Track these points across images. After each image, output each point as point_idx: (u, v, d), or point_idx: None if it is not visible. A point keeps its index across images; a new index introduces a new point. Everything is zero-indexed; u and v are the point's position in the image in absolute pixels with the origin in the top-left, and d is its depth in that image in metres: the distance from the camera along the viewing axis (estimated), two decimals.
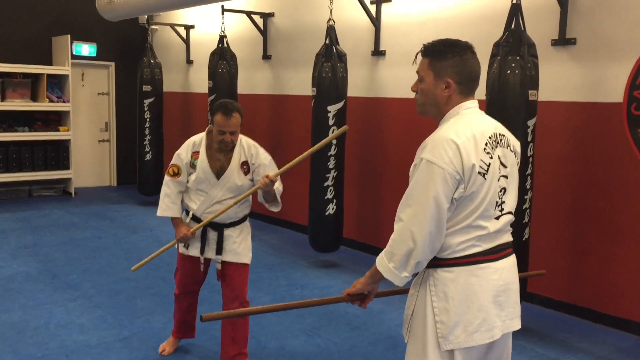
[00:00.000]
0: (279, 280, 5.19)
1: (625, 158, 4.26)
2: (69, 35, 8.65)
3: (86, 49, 9.20)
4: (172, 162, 3.43)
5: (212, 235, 3.40)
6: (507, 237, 2.10)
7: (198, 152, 3.35)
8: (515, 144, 2.14)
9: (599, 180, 4.43)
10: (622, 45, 4.25)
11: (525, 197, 4.16)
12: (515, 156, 2.11)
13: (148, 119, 8.34)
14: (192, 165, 3.36)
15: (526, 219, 4.20)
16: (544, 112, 4.54)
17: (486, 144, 1.98)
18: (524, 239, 4.21)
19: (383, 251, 2.03)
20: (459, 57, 2.03)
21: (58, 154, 8.79)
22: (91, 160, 9.71)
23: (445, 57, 2.03)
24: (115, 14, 8.19)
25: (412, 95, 6.11)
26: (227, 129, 3.24)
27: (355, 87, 6.05)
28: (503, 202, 2.03)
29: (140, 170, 8.48)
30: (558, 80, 4.62)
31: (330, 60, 5.50)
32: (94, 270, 5.41)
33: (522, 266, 4.25)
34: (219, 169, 3.33)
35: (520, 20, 4.13)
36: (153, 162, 8.38)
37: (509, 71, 4.05)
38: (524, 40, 4.09)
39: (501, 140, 2.05)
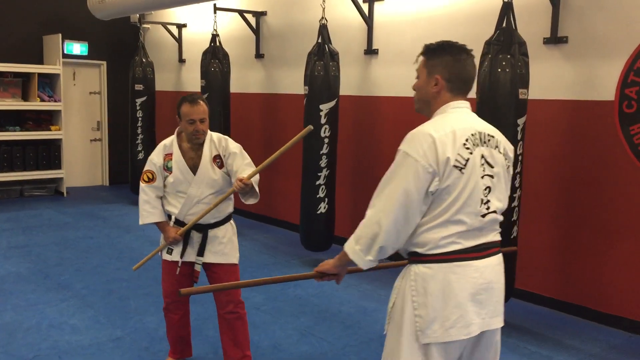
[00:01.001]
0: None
1: (617, 156, 4.28)
2: (60, 34, 8.60)
3: (78, 47, 9.16)
4: (145, 168, 3.37)
5: (197, 237, 3.31)
6: (493, 237, 2.11)
7: (170, 153, 3.30)
8: (508, 147, 2.16)
9: (590, 178, 4.45)
10: (613, 43, 4.27)
11: (514, 195, 4.17)
12: (506, 159, 2.13)
13: (140, 118, 8.32)
14: (167, 168, 3.29)
15: (514, 217, 4.22)
16: (536, 111, 4.56)
17: (467, 140, 2.01)
18: (512, 237, 4.23)
19: (352, 234, 2.08)
20: (450, 57, 2.10)
21: (50, 154, 8.75)
22: (83, 160, 9.68)
23: (438, 55, 2.11)
24: (106, 13, 8.16)
25: (404, 93, 6.16)
26: (195, 117, 3.20)
27: (348, 85, 6.05)
28: (489, 201, 2.05)
29: (132, 169, 8.46)
30: (550, 79, 4.63)
31: (322, 59, 5.50)
32: (86, 270, 5.38)
33: (510, 264, 4.26)
34: (192, 166, 3.27)
35: (512, 18, 4.15)
36: (145, 161, 8.33)
37: (499, 69, 4.06)
38: (515, 39, 4.10)
39: (489, 140, 2.08)
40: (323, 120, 5.50)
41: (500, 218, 2.12)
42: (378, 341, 4.05)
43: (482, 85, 4.14)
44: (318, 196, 5.57)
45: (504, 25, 4.14)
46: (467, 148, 2.00)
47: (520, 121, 4.14)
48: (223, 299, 3.37)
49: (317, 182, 5.56)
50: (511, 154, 2.18)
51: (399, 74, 5.70)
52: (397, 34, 5.73)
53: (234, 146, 3.32)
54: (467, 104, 2.14)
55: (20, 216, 7.49)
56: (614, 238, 4.34)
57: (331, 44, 5.60)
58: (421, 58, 2.16)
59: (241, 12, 7.26)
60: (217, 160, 3.29)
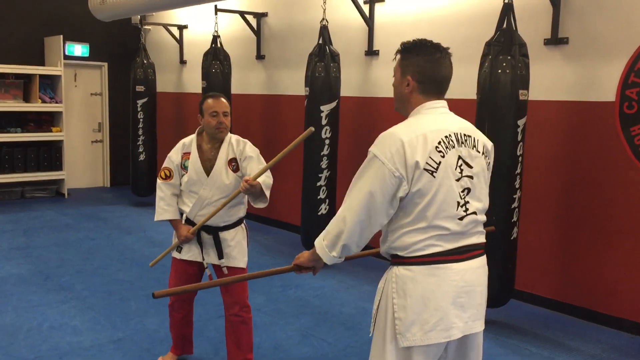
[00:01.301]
0: (274, 281, 5.18)
1: (618, 157, 4.28)
2: (61, 36, 8.61)
3: (79, 49, 9.17)
4: (163, 165, 3.40)
5: (207, 238, 3.33)
6: (476, 239, 2.08)
7: (189, 152, 3.32)
8: (487, 144, 2.14)
9: (591, 179, 4.45)
10: (614, 44, 4.27)
11: (514, 196, 4.17)
12: (486, 157, 2.11)
13: (141, 120, 8.32)
14: (184, 167, 3.32)
15: (515, 218, 4.22)
16: (537, 112, 4.55)
17: (439, 143, 1.98)
18: (512, 238, 4.23)
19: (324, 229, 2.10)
20: (422, 57, 2.06)
21: (51, 155, 8.75)
22: (84, 161, 9.68)
23: (410, 55, 2.09)
24: (108, 14, 8.16)
25: None
26: (219, 109, 3.25)
27: (349, 86, 6.06)
28: (467, 202, 2.03)
29: (133, 170, 8.46)
30: (551, 80, 4.63)
31: (323, 60, 5.50)
32: (87, 271, 5.39)
33: (510, 265, 4.28)
34: (206, 168, 3.29)
35: (512, 19, 4.15)
36: (147, 162, 8.36)
37: (499, 70, 4.06)
38: (515, 40, 4.10)
39: (465, 140, 2.05)
40: (324, 122, 5.50)
41: (482, 219, 2.09)
42: None
43: (483, 86, 4.14)
44: (319, 197, 5.57)
45: (505, 26, 4.14)
46: (440, 151, 1.97)
47: (521, 122, 4.14)
48: (229, 300, 3.37)
49: (318, 184, 5.56)
50: (491, 151, 2.16)
51: (387, 72, 5.69)
52: (398, 35, 5.72)
53: (251, 150, 3.33)
54: (443, 103, 2.10)
55: (21, 218, 7.49)
56: (614, 239, 4.34)
57: (332, 45, 5.60)
58: (398, 56, 2.14)
59: (242, 14, 7.27)
60: (233, 164, 3.29)
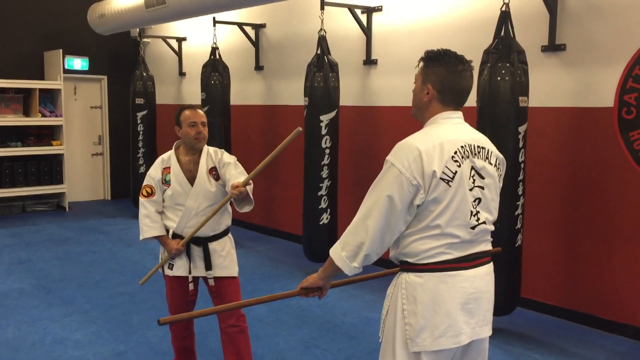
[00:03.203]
0: (276, 291, 5.17)
1: (617, 162, 4.28)
2: (60, 50, 8.65)
3: (78, 63, 9.20)
4: (144, 183, 3.39)
5: (197, 251, 3.31)
6: (484, 247, 2.12)
7: (169, 167, 3.33)
8: (499, 157, 2.18)
9: (592, 184, 4.45)
10: (611, 50, 4.28)
11: (518, 203, 4.17)
12: (498, 169, 2.15)
13: (141, 132, 8.34)
14: (165, 181, 3.31)
15: (519, 225, 4.21)
16: (536, 118, 4.56)
17: (455, 153, 2.02)
18: (516, 245, 4.22)
19: (338, 241, 2.10)
20: (444, 67, 2.09)
21: (51, 169, 8.76)
22: (85, 174, 9.69)
23: (433, 64, 2.11)
24: (107, 28, 8.21)
25: (404, 103, 6.16)
26: (197, 120, 3.28)
27: (348, 96, 6.07)
28: (478, 212, 2.06)
29: (134, 183, 8.47)
30: (549, 86, 4.64)
31: (322, 70, 5.52)
32: (89, 285, 5.38)
33: (515, 272, 4.27)
34: (189, 178, 3.29)
35: (510, 27, 4.16)
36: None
37: (499, 78, 4.07)
38: (514, 47, 4.12)
39: (479, 152, 2.09)
40: (324, 131, 5.51)
41: (491, 228, 2.12)
42: None
43: (482, 93, 4.15)
44: (320, 207, 5.57)
45: (502, 34, 4.16)
46: (456, 161, 2.01)
47: (521, 129, 4.15)
48: (224, 312, 3.35)
49: (319, 193, 5.56)
50: (503, 164, 2.20)
51: (399, 83, 5.72)
52: (396, 44, 5.75)
53: (228, 157, 3.36)
54: (459, 114, 2.14)
55: (23, 232, 7.49)
56: (617, 244, 4.33)
57: (330, 55, 5.62)
58: (421, 63, 2.17)
59: (240, 25, 7.30)
60: (214, 173, 3.31)
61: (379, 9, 5.87)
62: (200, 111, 3.34)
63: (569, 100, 4.55)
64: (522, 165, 4.19)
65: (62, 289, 5.25)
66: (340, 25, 6.17)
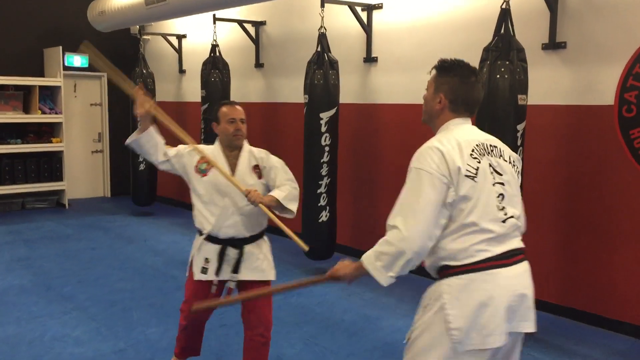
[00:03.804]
0: None
1: (617, 160, 4.28)
2: (60, 47, 8.64)
3: (78, 60, 9.18)
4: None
5: (232, 253, 3.15)
6: (517, 243, 2.14)
7: (206, 157, 3.18)
8: (513, 155, 2.23)
9: (591, 182, 4.45)
10: (612, 47, 4.28)
11: None
12: (514, 166, 2.19)
13: None
14: (200, 170, 3.17)
15: None
16: (536, 116, 4.56)
17: (473, 150, 2.08)
18: None
19: (372, 249, 2.10)
20: (458, 78, 2.15)
21: (51, 166, 8.76)
22: (85, 172, 9.69)
23: (447, 74, 2.17)
24: (106, 25, 8.20)
25: (404, 101, 6.15)
26: (236, 116, 3.18)
27: (348, 94, 6.07)
28: (504, 207, 2.09)
29: (134, 180, 8.47)
30: (549, 84, 4.64)
31: (322, 67, 5.51)
32: (89, 281, 5.38)
33: None
34: (232, 173, 3.17)
35: (510, 25, 4.16)
36: (147, 172, 8.36)
37: (498, 76, 4.07)
38: (513, 45, 4.12)
39: (492, 150, 2.14)
40: (323, 129, 5.51)
41: (520, 224, 2.16)
42: (382, 349, 4.04)
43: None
44: (319, 205, 5.57)
45: (502, 31, 4.16)
46: (475, 158, 2.06)
47: (520, 127, 4.15)
48: (253, 319, 3.22)
49: (319, 191, 5.56)
50: (518, 161, 2.25)
51: (399, 81, 5.71)
52: (396, 42, 5.74)
53: (275, 160, 3.26)
54: (469, 121, 2.21)
55: (22, 229, 7.49)
56: (615, 242, 4.34)
57: (330, 52, 5.62)
58: (433, 71, 2.22)
59: (240, 22, 7.29)
60: (257, 171, 3.21)
61: (379, 6, 5.86)
62: (239, 107, 3.24)
63: (569, 98, 4.55)
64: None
65: (62, 285, 5.26)
66: (341, 23, 6.16)
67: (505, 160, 2.16)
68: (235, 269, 3.16)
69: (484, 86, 2.21)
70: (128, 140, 3.34)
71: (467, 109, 2.18)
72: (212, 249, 3.17)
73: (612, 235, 4.35)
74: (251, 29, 7.37)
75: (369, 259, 2.10)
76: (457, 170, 2.00)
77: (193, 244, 3.29)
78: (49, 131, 8.86)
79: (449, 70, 2.17)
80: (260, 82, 7.44)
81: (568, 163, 4.57)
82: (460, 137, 2.09)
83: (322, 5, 5.55)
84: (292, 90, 6.85)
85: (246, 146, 3.26)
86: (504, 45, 4.11)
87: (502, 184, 2.10)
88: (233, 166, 3.19)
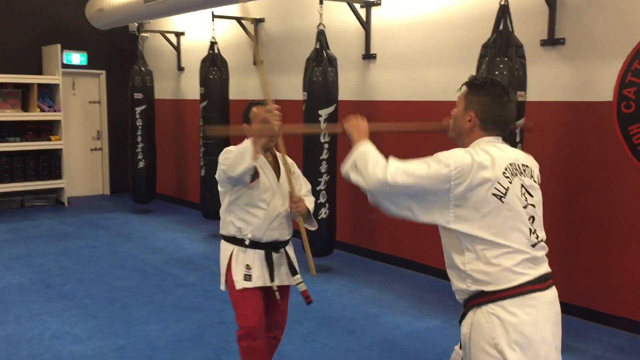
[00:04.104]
0: None
1: (616, 156, 4.28)
2: (59, 45, 8.63)
3: (77, 57, 9.18)
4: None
5: (277, 257, 3.01)
6: (547, 267, 2.08)
7: (285, 162, 3.03)
8: (538, 175, 2.16)
9: (590, 178, 4.45)
10: (611, 44, 4.28)
11: None
12: (540, 187, 2.13)
13: (140, 127, 8.33)
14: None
15: None
16: (535, 113, 4.56)
17: (506, 169, 2.00)
18: None
19: (370, 153, 2.11)
20: (490, 97, 2.08)
21: (50, 164, 8.76)
22: (84, 169, 9.68)
23: (478, 92, 2.10)
24: (105, 22, 8.18)
25: (403, 97, 6.14)
26: None
27: (347, 90, 6.06)
28: (535, 230, 2.03)
29: (133, 178, 8.46)
30: (548, 80, 4.64)
31: (320, 64, 5.51)
32: (88, 279, 5.38)
33: None
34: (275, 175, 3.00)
35: (509, 21, 4.16)
36: (146, 169, 8.36)
37: (497, 72, 4.06)
38: (512, 42, 4.11)
39: (524, 170, 2.07)
40: (322, 126, 5.50)
41: (546, 247, 2.09)
42: (381, 346, 4.04)
43: None
44: (319, 202, 5.57)
45: (501, 28, 4.15)
46: (507, 177, 1.99)
47: (519, 123, 4.14)
48: (274, 323, 3.12)
49: (318, 188, 5.56)
50: (539, 179, 2.17)
51: (397, 78, 5.71)
52: (395, 39, 5.74)
53: (296, 167, 3.17)
54: (499, 139, 2.13)
55: (22, 227, 7.49)
56: (615, 239, 4.34)
57: (329, 49, 5.61)
58: (464, 88, 2.15)
59: (239, 19, 7.28)
60: (290, 175, 3.07)
61: (377, 3, 5.85)
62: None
63: (568, 95, 4.55)
64: None
65: (61, 283, 5.26)
66: (339, 20, 6.15)
67: (535, 182, 2.09)
68: (294, 271, 3.06)
69: (516, 105, 2.13)
70: (241, 170, 2.71)
71: (497, 128, 2.11)
72: (255, 255, 2.98)
73: (611, 230, 4.35)
74: (250, 26, 7.36)
75: (360, 155, 2.12)
76: (478, 184, 1.94)
77: (222, 253, 3.05)
78: (47, 129, 8.85)
79: (480, 88, 2.10)
80: (259, 80, 7.43)
81: (567, 159, 4.57)
82: (494, 153, 2.01)
83: (321, 2, 5.54)
84: (291, 87, 6.84)
85: (273, 150, 3.11)
86: (502, 41, 4.11)
87: (533, 205, 2.04)
88: (275, 170, 3.05)
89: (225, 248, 3.04)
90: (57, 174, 8.81)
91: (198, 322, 4.36)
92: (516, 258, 1.95)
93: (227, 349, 3.91)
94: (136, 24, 8.60)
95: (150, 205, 8.70)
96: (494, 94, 2.08)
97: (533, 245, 2.00)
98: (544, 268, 2.05)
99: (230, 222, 2.99)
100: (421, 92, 5.51)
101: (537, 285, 1.98)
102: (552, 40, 4.56)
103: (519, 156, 2.11)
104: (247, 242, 2.96)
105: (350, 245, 6.27)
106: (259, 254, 2.98)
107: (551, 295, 2.04)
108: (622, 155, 4.24)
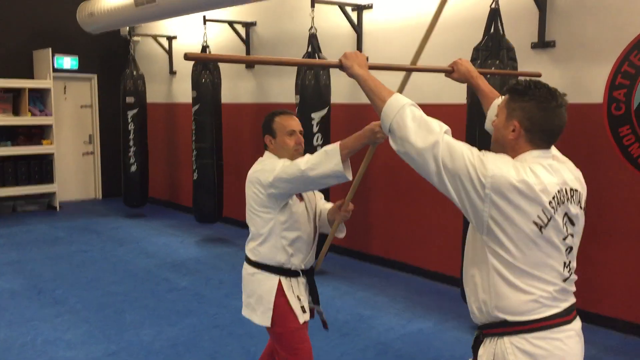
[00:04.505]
0: None
1: (607, 158, 4.31)
2: (50, 49, 8.60)
3: (68, 61, 9.15)
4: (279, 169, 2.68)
5: (303, 282, 2.82)
6: (574, 298, 1.95)
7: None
8: (585, 195, 1.97)
9: None
10: (600, 46, 4.31)
11: None
12: (583, 210, 1.95)
13: (132, 131, 8.31)
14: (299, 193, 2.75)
15: None
16: None
17: (553, 198, 1.80)
18: None
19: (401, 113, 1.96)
20: (535, 103, 1.84)
21: (42, 168, 8.72)
22: (75, 174, 9.64)
23: (521, 97, 1.86)
24: (96, 27, 8.16)
25: None
26: (296, 128, 2.77)
27: (339, 94, 6.07)
28: (570, 262, 1.89)
29: (125, 182, 8.44)
30: None
31: (313, 67, 5.52)
32: (81, 284, 5.36)
33: None
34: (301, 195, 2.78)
35: (500, 24, 4.18)
36: (138, 173, 8.34)
37: (488, 75, 4.08)
38: (503, 45, 4.14)
39: (572, 195, 1.87)
40: (315, 129, 5.51)
41: (576, 277, 1.95)
42: (374, 348, 4.05)
43: (472, 90, 4.16)
44: None
45: (492, 31, 4.18)
46: (552, 207, 1.79)
47: None
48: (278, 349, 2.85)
49: None
50: (585, 199, 1.99)
51: (389, 81, 5.67)
52: (386, 42, 5.76)
53: None
54: (550, 153, 1.91)
55: (13, 232, 7.45)
56: (606, 239, 4.37)
57: (321, 52, 5.62)
58: (506, 96, 1.93)
59: (231, 23, 7.28)
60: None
61: (369, 6, 5.87)
62: (295, 117, 2.84)
63: None
64: None
65: (54, 289, 5.23)
66: (331, 23, 6.17)
67: (582, 208, 1.91)
68: (316, 299, 2.85)
69: (566, 111, 1.88)
70: (327, 169, 2.52)
71: (546, 139, 1.86)
72: (300, 284, 2.77)
73: (604, 232, 4.37)
74: (241, 30, 7.37)
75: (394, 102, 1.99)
76: (516, 208, 1.75)
77: (261, 284, 2.73)
78: (39, 133, 8.81)
79: (523, 94, 1.85)
80: (251, 83, 7.44)
81: None
82: (543, 177, 1.79)
83: (313, 6, 5.56)
84: (283, 90, 6.85)
85: None
86: (494, 44, 4.13)
87: (573, 235, 1.88)
88: None
89: (266, 278, 2.72)
90: (48, 179, 8.77)
91: (192, 327, 4.35)
92: (547, 289, 1.81)
93: (221, 353, 3.90)
94: (128, 28, 8.59)
95: (143, 209, 8.68)
96: (540, 99, 1.84)
97: (564, 280, 1.86)
98: (572, 299, 1.92)
99: (281, 247, 2.68)
100: (413, 95, 5.46)
101: (564, 318, 1.86)
102: (542, 43, 4.59)
103: (569, 177, 1.89)
104: (298, 271, 2.74)
105: (344, 248, 6.27)
106: (303, 282, 2.79)
107: (576, 327, 1.92)
108: (613, 157, 4.27)
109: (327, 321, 2.96)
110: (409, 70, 2.44)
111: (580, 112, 4.45)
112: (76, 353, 3.92)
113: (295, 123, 2.79)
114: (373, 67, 2.20)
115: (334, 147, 2.52)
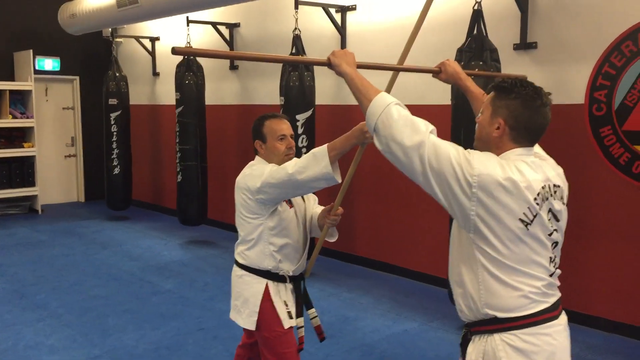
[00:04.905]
0: None
1: (589, 158, 4.35)
2: (31, 50, 8.50)
3: (49, 63, 9.06)
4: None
5: (300, 289, 2.80)
6: (559, 293, 1.97)
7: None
8: (566, 191, 1.99)
9: None
10: (581, 48, 4.35)
11: None
12: (566, 207, 1.97)
13: (115, 133, 8.24)
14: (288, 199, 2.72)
15: None
16: None
17: (538, 194, 1.82)
18: None
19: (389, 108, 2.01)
20: (521, 100, 1.86)
21: (23, 171, 8.61)
22: (57, 176, 9.54)
23: (507, 95, 1.88)
24: (78, 28, 8.09)
25: None
26: (287, 132, 2.72)
27: (324, 95, 6.07)
28: (555, 257, 1.91)
29: (108, 184, 8.37)
30: None
31: (297, 69, 5.52)
32: (63, 288, 5.30)
33: None
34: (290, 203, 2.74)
35: (482, 25, 4.21)
36: (121, 176, 8.27)
37: (473, 76, 4.10)
38: (486, 46, 4.17)
39: (555, 192, 1.89)
40: (300, 130, 5.51)
41: (560, 271, 1.97)
42: (360, 350, 4.05)
43: (457, 92, 4.19)
44: None
45: (475, 32, 4.21)
46: (537, 204, 1.82)
47: None
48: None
49: None
50: (567, 195, 2.01)
51: (374, 82, 5.69)
52: (370, 43, 5.77)
53: None
54: (532, 150, 1.93)
55: None
56: (590, 239, 4.41)
57: (305, 54, 5.62)
58: (492, 92, 1.94)
59: (214, 24, 7.25)
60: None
61: (353, 8, 5.88)
62: (286, 120, 2.76)
63: None
64: None
65: (36, 293, 5.17)
66: (315, 25, 6.17)
67: (564, 204, 1.94)
68: (309, 304, 2.83)
69: (550, 111, 1.91)
70: (325, 171, 2.53)
71: (530, 137, 1.89)
72: (287, 289, 2.75)
73: (587, 232, 4.41)
74: (225, 31, 7.34)
75: (386, 111, 2.01)
76: (503, 206, 1.77)
77: (248, 288, 2.71)
78: (20, 136, 8.71)
79: (509, 92, 1.87)
80: (235, 84, 7.41)
81: None
82: (527, 174, 1.81)
83: (296, 7, 5.55)
84: (267, 92, 6.83)
85: None
86: (477, 46, 4.16)
87: (557, 230, 1.91)
88: None
89: (254, 281, 2.70)
90: (30, 182, 8.66)
91: (176, 330, 4.32)
92: (536, 285, 1.83)
93: (205, 357, 3.88)
94: (110, 29, 8.52)
95: (126, 212, 8.61)
96: (525, 97, 1.86)
97: (551, 275, 1.89)
98: (558, 293, 1.95)
99: (269, 254, 2.66)
100: (398, 96, 5.46)
101: (552, 313, 1.88)
102: (524, 45, 4.63)
103: (551, 174, 1.92)
104: (286, 276, 2.71)
105: (331, 250, 6.27)
106: (290, 288, 2.76)
107: (563, 321, 1.95)
108: (594, 157, 4.31)
109: (324, 332, 2.90)
110: (396, 70, 2.44)
111: (562, 113, 4.48)
112: (59, 358, 3.88)
113: (286, 127, 2.73)
114: (361, 66, 2.18)
115: (322, 149, 2.47)
